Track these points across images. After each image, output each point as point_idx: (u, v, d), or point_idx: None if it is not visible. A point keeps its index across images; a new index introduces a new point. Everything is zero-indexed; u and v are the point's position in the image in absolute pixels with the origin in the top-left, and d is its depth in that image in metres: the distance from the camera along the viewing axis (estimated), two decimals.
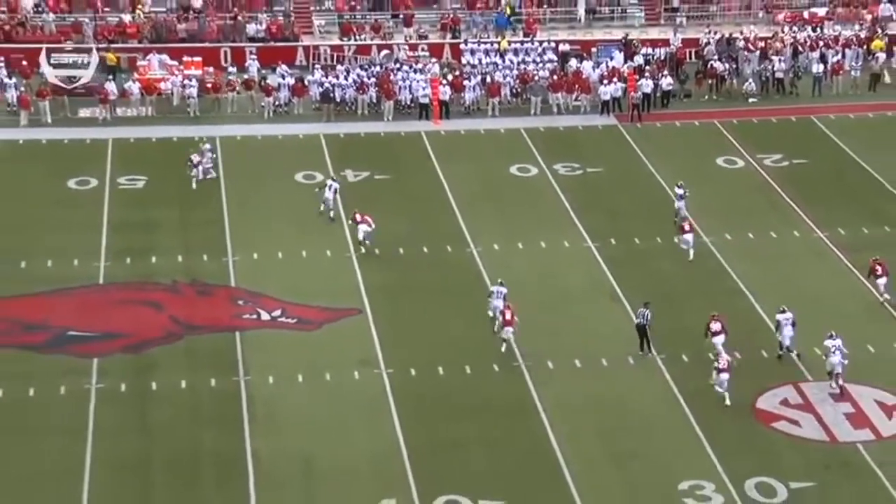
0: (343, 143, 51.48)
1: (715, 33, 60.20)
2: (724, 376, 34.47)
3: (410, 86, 54.47)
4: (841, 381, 35.00)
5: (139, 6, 59.95)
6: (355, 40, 59.79)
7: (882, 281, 39.50)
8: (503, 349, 36.82)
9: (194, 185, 46.61)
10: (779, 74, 57.10)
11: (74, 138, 51.27)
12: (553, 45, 59.04)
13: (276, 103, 54.15)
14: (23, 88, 53.61)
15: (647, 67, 56.43)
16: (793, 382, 35.58)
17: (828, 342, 35.28)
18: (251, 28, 59.77)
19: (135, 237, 43.22)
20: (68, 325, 38.01)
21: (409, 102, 54.48)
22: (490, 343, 37.17)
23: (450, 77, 55.12)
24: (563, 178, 48.52)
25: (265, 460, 31.91)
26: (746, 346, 37.03)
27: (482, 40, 59.58)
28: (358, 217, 42.38)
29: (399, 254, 42.19)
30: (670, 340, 37.29)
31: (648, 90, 54.86)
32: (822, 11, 63.36)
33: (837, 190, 47.85)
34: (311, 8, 62.02)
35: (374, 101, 54.23)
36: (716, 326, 36.27)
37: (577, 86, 55.21)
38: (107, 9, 60.42)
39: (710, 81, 57.03)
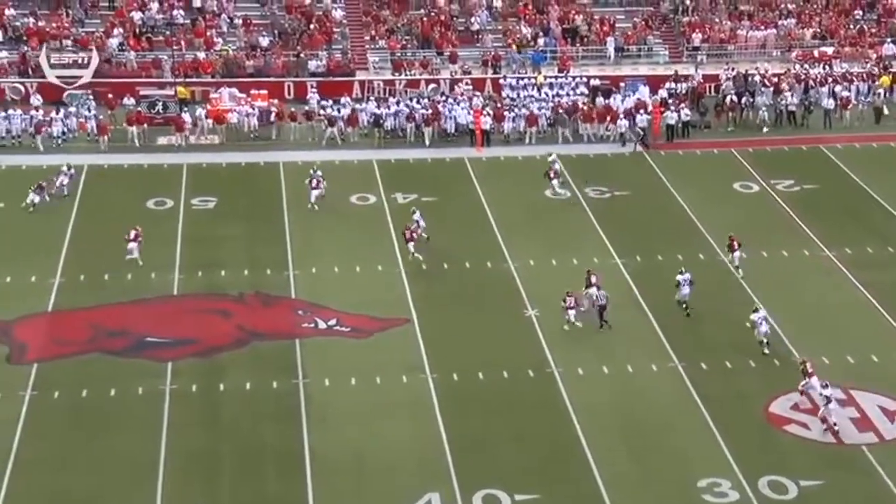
0: (393, 168, 51.43)
1: (732, 70, 59.76)
2: (572, 312, 37.88)
3: (455, 116, 54.45)
4: (767, 350, 36.28)
5: (218, 47, 60.20)
6: (405, 75, 59.89)
7: (737, 254, 41.44)
8: (410, 257, 41.62)
9: (48, 198, 46.44)
10: (791, 107, 56.66)
11: (153, 163, 51.51)
12: (585, 79, 58.86)
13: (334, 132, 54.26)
14: (102, 117, 53.90)
15: (671, 100, 56.15)
16: (803, 389, 35.13)
17: (753, 316, 36.89)
18: (312, 64, 59.89)
19: (206, 252, 43.30)
20: (146, 332, 38.07)
21: (453, 131, 54.43)
22: (525, 350, 37.01)
23: (490, 109, 55.06)
24: (593, 200, 48.24)
25: (320, 454, 31.86)
26: (760, 356, 36.65)
27: (521, 75, 59.50)
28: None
29: (444, 269, 42.05)
30: (690, 349, 36.98)
31: (672, 122, 54.57)
32: (830, 50, 62.88)
33: (844, 213, 47.32)
34: (367, 46, 62.16)
35: (421, 129, 54.13)
36: (594, 279, 38.73)
37: (607, 117, 54.99)
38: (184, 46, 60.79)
39: (728, 114, 56.71)
